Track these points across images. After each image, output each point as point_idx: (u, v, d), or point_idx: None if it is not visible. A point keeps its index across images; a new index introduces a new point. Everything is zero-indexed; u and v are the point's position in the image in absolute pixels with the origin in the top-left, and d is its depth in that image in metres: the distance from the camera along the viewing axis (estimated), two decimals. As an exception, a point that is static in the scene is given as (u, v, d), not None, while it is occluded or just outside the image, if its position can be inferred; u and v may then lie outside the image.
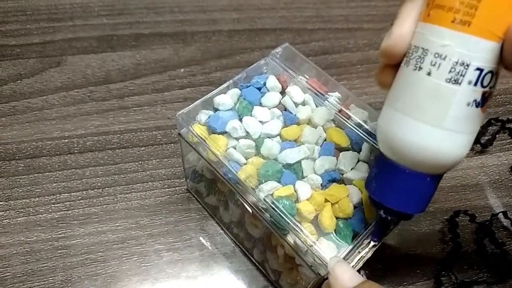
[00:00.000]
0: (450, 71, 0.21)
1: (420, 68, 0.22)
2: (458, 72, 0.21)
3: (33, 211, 0.39)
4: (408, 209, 0.25)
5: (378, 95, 0.50)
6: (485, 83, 0.22)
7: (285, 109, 0.34)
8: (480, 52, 0.21)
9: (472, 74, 0.21)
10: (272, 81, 0.35)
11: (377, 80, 0.26)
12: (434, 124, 0.22)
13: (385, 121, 0.25)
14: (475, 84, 0.22)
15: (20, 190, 0.40)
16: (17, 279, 0.35)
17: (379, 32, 0.57)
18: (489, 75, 0.22)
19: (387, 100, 0.25)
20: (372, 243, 0.28)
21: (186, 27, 0.55)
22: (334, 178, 0.31)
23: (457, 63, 0.21)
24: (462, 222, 0.40)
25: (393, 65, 0.24)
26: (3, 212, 0.38)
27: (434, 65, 0.22)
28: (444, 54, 0.21)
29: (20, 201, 0.39)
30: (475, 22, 0.21)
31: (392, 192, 0.25)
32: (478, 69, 0.21)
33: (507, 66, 0.22)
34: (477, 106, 0.22)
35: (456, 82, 0.21)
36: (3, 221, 0.38)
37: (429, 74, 0.22)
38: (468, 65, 0.21)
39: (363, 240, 0.28)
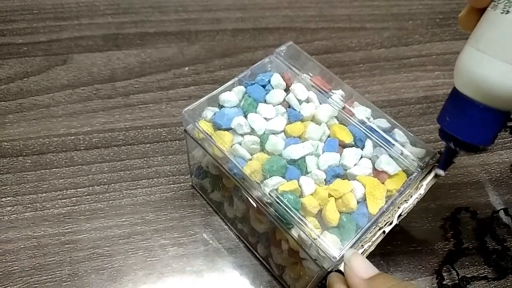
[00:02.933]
0: None
1: (508, 12, 0.24)
2: None
3: (40, 206, 0.39)
4: (477, 141, 0.28)
5: (381, 94, 0.51)
6: None
7: (289, 106, 0.35)
8: None
9: None
10: (276, 79, 0.35)
11: (461, 23, 0.28)
12: None
13: (466, 59, 0.27)
14: None
15: (27, 186, 0.41)
16: (24, 272, 0.36)
17: (382, 32, 0.58)
18: None
19: (469, 40, 0.27)
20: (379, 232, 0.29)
21: (190, 26, 0.56)
22: (337, 174, 0.31)
23: None
24: (463, 219, 0.41)
25: (478, 9, 0.26)
26: (10, 207, 0.39)
27: None
28: None
29: (28, 197, 0.40)
30: None
31: (464, 125, 0.27)
32: None
33: None
34: None
35: None
36: (11, 216, 0.39)
37: None
38: None
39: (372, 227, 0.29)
